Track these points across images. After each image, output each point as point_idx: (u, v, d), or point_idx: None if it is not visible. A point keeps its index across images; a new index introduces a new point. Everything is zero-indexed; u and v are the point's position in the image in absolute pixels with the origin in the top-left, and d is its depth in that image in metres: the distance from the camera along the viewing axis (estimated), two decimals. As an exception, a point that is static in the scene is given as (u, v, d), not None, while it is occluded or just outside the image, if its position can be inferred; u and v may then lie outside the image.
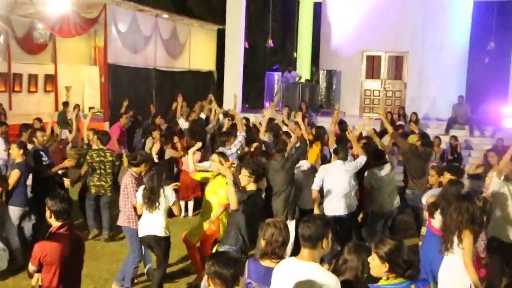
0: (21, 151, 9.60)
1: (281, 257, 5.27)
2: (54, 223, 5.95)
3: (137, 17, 22.84)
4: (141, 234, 8.31)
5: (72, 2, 19.08)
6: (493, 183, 8.94)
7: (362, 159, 10.14)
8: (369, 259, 4.86)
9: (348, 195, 9.83)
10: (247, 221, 7.62)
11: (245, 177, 7.69)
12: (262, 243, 5.45)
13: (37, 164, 10.23)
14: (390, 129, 12.18)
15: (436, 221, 7.37)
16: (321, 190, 9.82)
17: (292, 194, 9.82)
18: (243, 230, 7.43)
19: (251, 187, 7.68)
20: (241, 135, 11.64)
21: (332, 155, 10.87)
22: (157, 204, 8.05)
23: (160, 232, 8.23)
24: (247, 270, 5.44)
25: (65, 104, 20.12)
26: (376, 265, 4.76)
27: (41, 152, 10.58)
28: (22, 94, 23.36)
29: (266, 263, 5.28)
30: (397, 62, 23.40)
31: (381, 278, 4.87)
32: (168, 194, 8.27)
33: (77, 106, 19.39)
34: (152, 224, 8.14)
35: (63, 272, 5.83)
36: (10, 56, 22.13)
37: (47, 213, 5.99)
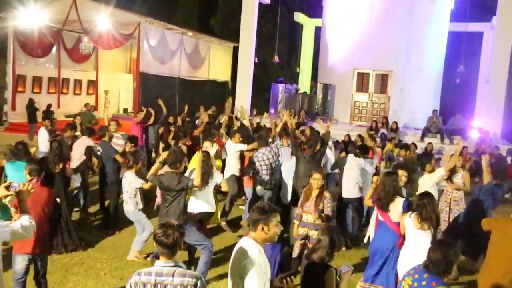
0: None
1: None
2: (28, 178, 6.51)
3: (166, 34, 23.49)
4: (197, 210, 8.15)
5: (112, 20, 19.94)
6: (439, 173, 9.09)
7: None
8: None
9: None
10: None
11: None
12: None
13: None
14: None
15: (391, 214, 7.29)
16: None
17: None
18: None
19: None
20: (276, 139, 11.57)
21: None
22: (209, 184, 8.06)
23: (211, 208, 8.38)
24: None
25: (86, 105, 19.44)
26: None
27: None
28: (69, 96, 23.87)
29: None
30: (383, 79, 23.36)
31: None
32: (215, 175, 8.39)
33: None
34: (206, 201, 8.16)
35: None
36: (60, 64, 22.68)
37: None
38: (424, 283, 4.59)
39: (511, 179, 15.64)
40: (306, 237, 7.75)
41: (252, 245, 4.40)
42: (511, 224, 6.55)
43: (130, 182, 8.65)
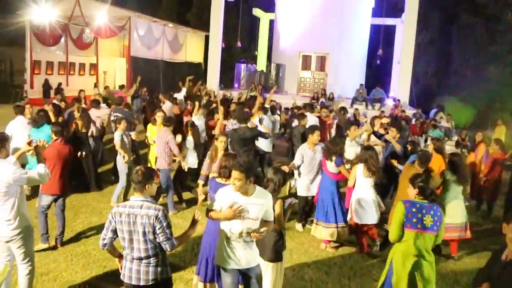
0: None
1: (226, 177, 5.05)
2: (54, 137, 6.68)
3: (151, 26, 23.30)
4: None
5: (108, 15, 20.08)
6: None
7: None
8: (408, 189, 4.75)
9: None
10: None
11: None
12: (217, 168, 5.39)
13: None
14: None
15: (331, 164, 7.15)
16: None
17: None
18: None
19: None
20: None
21: None
22: None
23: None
24: (209, 185, 5.38)
25: (106, 88, 18.98)
26: (411, 191, 4.67)
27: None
28: (75, 76, 23.66)
29: (219, 180, 5.15)
30: (322, 60, 23.64)
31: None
32: None
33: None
34: None
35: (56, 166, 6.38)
36: (67, 51, 22.59)
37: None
38: (438, 212, 4.54)
39: (414, 135, 16.62)
40: None
41: (261, 189, 4.39)
42: (408, 169, 6.79)
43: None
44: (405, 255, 4.52)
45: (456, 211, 6.96)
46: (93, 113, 10.75)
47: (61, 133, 6.77)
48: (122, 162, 8.55)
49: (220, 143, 6.92)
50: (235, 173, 4.11)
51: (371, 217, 6.82)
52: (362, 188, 6.84)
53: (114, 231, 3.99)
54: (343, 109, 13.61)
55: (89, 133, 10.01)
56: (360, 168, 6.84)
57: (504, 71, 23.87)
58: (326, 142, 7.63)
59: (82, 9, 19.76)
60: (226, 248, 4.31)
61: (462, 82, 26.30)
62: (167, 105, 12.70)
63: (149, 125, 9.83)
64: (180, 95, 15.21)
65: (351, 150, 8.82)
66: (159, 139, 8.40)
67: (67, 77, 22.79)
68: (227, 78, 26.03)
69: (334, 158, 7.12)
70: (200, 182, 7.02)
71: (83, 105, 12.06)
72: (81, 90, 14.25)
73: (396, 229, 4.51)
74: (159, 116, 9.28)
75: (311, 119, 11.42)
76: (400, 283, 4.51)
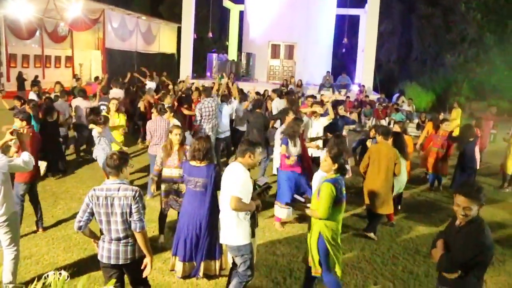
0: None
1: (199, 159, 5.07)
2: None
3: (125, 18, 23.19)
4: None
5: (82, 8, 19.68)
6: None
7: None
8: (323, 159, 4.76)
9: None
10: None
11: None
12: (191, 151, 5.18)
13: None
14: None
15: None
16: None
17: None
18: None
19: None
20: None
21: None
22: None
23: None
24: (183, 168, 5.30)
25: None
26: (328, 163, 4.66)
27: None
28: (51, 69, 23.29)
29: (192, 163, 5.12)
30: (290, 49, 23.61)
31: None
32: None
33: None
34: None
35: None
36: (43, 44, 22.19)
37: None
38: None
39: (378, 119, 16.91)
40: (174, 191, 6.13)
41: (240, 168, 4.47)
42: (381, 146, 6.94)
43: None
44: (336, 230, 4.66)
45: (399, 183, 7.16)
46: (81, 103, 10.63)
47: (29, 121, 6.60)
48: (101, 153, 8.21)
49: (175, 136, 6.20)
50: None
51: None
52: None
53: (91, 214, 3.98)
54: (311, 96, 13.70)
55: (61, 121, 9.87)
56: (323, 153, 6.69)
57: (459, 58, 24.40)
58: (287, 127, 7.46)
59: (57, 3, 19.30)
60: (246, 225, 4.52)
61: (422, 68, 26.80)
62: (115, 91, 12.39)
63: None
64: (151, 84, 15.14)
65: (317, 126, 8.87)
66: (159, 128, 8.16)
67: (43, 69, 22.39)
68: (200, 68, 25.87)
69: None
70: (154, 178, 6.40)
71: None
72: (57, 82, 13.99)
73: (328, 208, 4.47)
74: (113, 103, 9.09)
75: (279, 103, 11.67)
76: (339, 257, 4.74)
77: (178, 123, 7.81)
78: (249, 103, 11.18)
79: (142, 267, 4.09)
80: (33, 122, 7.76)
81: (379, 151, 6.89)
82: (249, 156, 4.50)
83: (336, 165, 4.62)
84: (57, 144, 9.59)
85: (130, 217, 3.92)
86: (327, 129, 9.00)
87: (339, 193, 4.49)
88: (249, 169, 4.62)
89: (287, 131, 7.12)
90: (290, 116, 7.86)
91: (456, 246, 3.44)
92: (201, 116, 9.59)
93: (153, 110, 9.07)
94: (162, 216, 6.30)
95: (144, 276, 4.09)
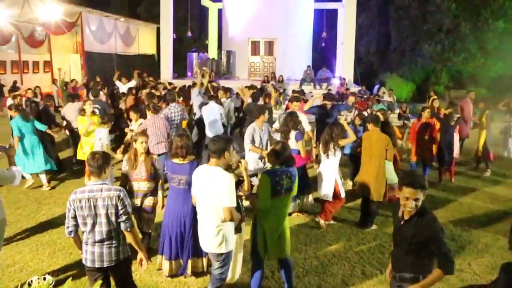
0: None
1: (182, 156, 5.01)
2: None
3: (103, 20, 22.98)
4: None
5: (59, 11, 19.37)
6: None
7: None
8: (267, 154, 4.78)
9: None
10: None
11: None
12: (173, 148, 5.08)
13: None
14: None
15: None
16: None
17: None
18: None
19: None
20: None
21: None
22: None
23: None
24: (165, 166, 5.20)
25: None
26: (272, 159, 4.64)
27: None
28: (29, 74, 22.90)
29: (175, 160, 5.05)
30: (270, 45, 23.69)
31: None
32: None
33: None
34: None
35: None
36: (20, 49, 21.76)
37: None
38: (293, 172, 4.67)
39: (361, 112, 17.00)
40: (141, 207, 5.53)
41: (223, 173, 4.15)
42: (372, 133, 6.94)
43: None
44: (276, 223, 4.59)
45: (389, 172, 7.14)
46: (70, 107, 10.43)
47: None
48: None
49: (140, 145, 5.50)
50: None
51: (324, 191, 6.85)
52: (326, 164, 6.84)
53: (75, 218, 3.89)
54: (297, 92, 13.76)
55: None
56: (319, 145, 6.91)
57: (437, 48, 24.62)
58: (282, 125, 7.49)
59: (32, 7, 19.00)
60: (231, 232, 4.39)
61: (401, 59, 26.99)
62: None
63: (79, 117, 8.89)
64: (131, 84, 14.96)
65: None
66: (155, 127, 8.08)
67: (21, 75, 22.00)
68: (180, 68, 25.75)
69: (294, 133, 7.10)
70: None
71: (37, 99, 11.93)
72: (36, 87, 13.89)
73: (265, 199, 4.43)
74: (89, 104, 8.89)
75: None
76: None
77: (144, 127, 7.81)
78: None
79: (138, 263, 4.08)
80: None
81: (370, 138, 6.93)
82: (225, 156, 4.23)
83: (280, 160, 4.59)
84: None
85: (116, 217, 3.86)
86: (318, 121, 9.04)
87: (275, 185, 4.41)
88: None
89: (292, 127, 7.08)
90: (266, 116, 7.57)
91: (401, 238, 3.48)
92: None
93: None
94: None
95: (142, 270, 4.10)
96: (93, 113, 8.88)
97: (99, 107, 10.14)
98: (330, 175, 6.79)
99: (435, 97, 16.31)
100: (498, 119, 11.69)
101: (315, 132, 9.55)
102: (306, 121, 8.66)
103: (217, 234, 4.21)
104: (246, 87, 12.33)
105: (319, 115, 9.43)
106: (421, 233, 3.32)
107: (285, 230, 4.64)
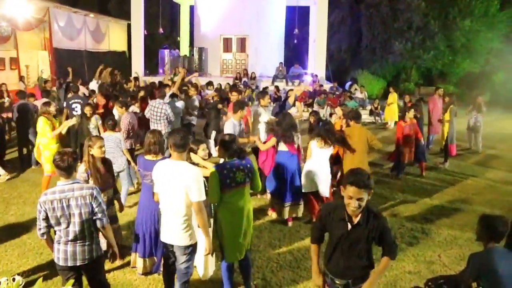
0: None
1: (155, 153, 5.06)
2: None
3: (71, 16, 22.41)
4: None
5: (26, 6, 18.97)
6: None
7: None
8: (217, 149, 4.78)
9: None
10: None
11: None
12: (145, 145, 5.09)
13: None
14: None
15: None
16: None
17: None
18: None
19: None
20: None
21: None
22: None
23: None
24: (138, 162, 5.21)
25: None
26: (221, 151, 4.63)
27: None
28: None
29: (148, 157, 5.10)
30: (242, 42, 23.66)
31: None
32: None
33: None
34: None
35: None
36: None
37: None
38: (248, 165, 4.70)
39: (332, 107, 17.11)
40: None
41: (187, 164, 4.15)
42: (353, 129, 7.13)
43: None
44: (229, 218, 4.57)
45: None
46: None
47: None
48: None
49: (97, 150, 5.22)
50: None
51: (322, 187, 6.87)
52: (318, 159, 6.85)
53: (46, 219, 3.83)
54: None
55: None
56: (314, 142, 6.86)
57: (407, 45, 25.07)
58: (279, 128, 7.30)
59: (-3, 2, 18.53)
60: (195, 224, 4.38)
61: (372, 56, 27.34)
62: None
63: (43, 118, 7.90)
64: (92, 85, 14.34)
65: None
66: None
67: (-14, 73, 21.23)
68: (152, 64, 25.52)
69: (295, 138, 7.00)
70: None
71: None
72: (2, 84, 13.62)
73: (214, 193, 4.44)
74: (53, 105, 8.33)
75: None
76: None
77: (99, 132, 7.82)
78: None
79: (108, 257, 4.06)
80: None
81: (352, 134, 7.09)
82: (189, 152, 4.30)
83: (229, 152, 4.60)
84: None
85: (90, 216, 3.85)
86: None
87: (224, 178, 4.41)
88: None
89: (292, 125, 6.91)
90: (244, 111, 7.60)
91: (363, 242, 3.37)
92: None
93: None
94: None
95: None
96: (55, 116, 8.30)
97: (81, 102, 10.03)
98: (325, 169, 6.85)
99: (394, 92, 16.91)
100: (462, 114, 12.04)
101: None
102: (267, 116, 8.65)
103: (184, 227, 4.12)
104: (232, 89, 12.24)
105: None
106: (375, 232, 3.29)
107: (247, 228, 4.64)
